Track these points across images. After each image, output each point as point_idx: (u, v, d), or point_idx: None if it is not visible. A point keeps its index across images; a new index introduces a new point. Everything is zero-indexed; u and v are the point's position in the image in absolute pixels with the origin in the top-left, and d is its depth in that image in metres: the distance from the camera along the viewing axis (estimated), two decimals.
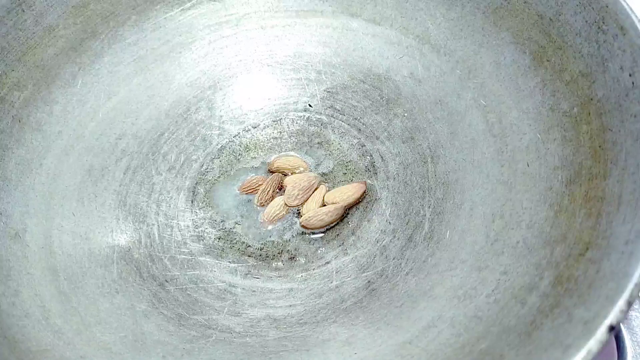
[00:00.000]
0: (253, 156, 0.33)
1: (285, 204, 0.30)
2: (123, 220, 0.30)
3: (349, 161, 0.32)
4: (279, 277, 0.28)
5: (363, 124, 0.33)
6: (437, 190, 0.29)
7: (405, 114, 0.32)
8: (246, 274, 0.28)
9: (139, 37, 0.34)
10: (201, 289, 0.28)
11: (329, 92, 0.34)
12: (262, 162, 0.32)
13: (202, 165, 0.32)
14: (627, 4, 0.24)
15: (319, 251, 0.29)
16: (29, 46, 0.30)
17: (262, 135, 0.33)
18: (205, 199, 0.31)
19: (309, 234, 0.29)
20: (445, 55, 0.31)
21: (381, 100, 0.33)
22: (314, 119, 0.33)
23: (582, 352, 0.17)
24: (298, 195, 0.30)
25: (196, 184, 0.32)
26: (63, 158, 0.30)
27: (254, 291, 0.28)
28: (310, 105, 0.34)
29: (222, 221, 0.30)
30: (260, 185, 0.31)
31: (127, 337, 0.25)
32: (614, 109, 0.23)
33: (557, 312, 0.19)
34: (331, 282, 0.28)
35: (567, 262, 0.21)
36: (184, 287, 0.28)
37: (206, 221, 0.30)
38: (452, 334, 0.22)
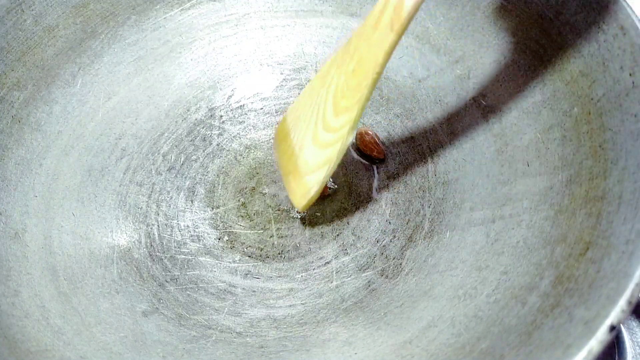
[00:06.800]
0: (253, 156, 0.33)
1: None
2: (123, 220, 0.30)
3: (350, 161, 0.32)
4: (279, 277, 0.28)
5: (363, 124, 0.33)
6: (437, 190, 0.29)
7: (405, 114, 0.32)
8: (246, 274, 0.28)
9: (139, 37, 0.34)
10: (201, 289, 0.28)
11: None
12: (261, 163, 0.32)
13: (202, 165, 0.32)
14: (627, 4, 0.24)
15: (319, 251, 0.29)
16: (29, 46, 0.30)
17: (262, 135, 0.33)
18: (205, 199, 0.31)
19: (310, 227, 0.29)
20: (445, 55, 0.31)
21: (381, 100, 0.33)
22: None
23: (583, 352, 0.17)
24: None
25: (196, 184, 0.32)
26: (63, 158, 0.30)
27: (254, 291, 0.28)
28: None
29: (222, 221, 0.30)
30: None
31: (127, 337, 0.25)
32: (614, 109, 0.23)
33: (558, 312, 0.19)
34: (331, 282, 0.28)
35: (568, 261, 0.21)
36: (184, 287, 0.28)
37: (206, 221, 0.30)
38: (453, 333, 0.22)
